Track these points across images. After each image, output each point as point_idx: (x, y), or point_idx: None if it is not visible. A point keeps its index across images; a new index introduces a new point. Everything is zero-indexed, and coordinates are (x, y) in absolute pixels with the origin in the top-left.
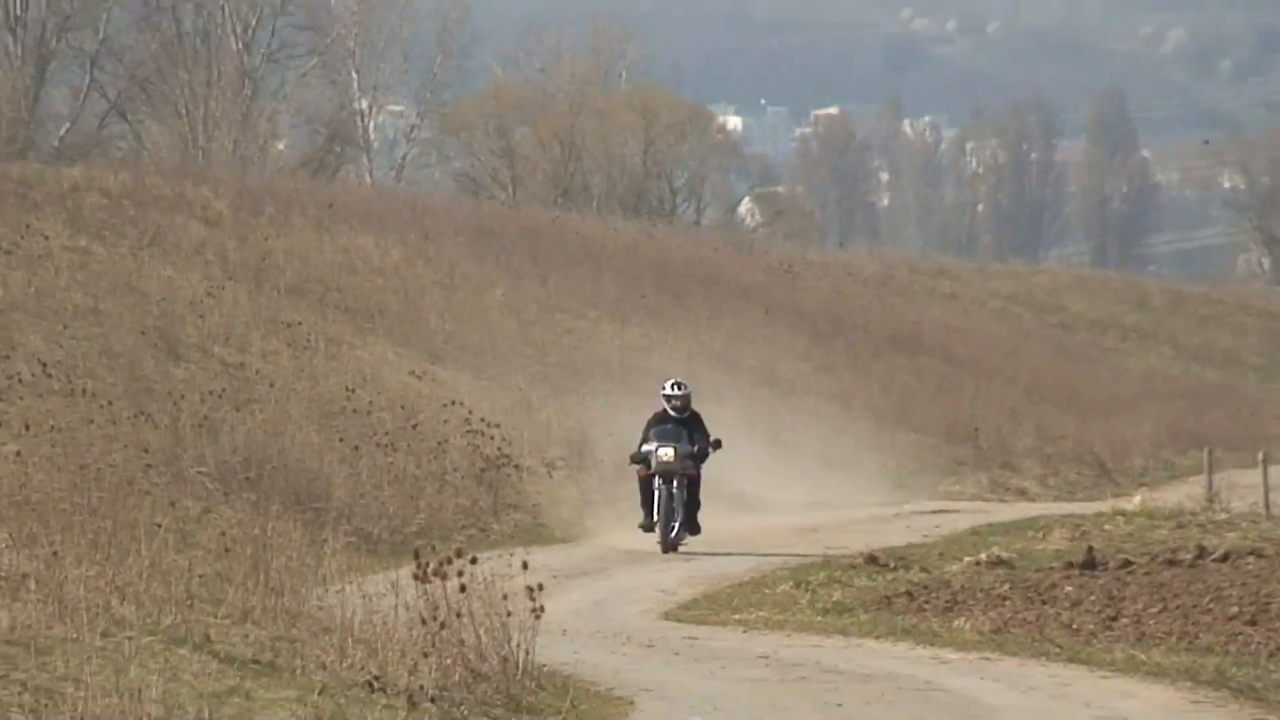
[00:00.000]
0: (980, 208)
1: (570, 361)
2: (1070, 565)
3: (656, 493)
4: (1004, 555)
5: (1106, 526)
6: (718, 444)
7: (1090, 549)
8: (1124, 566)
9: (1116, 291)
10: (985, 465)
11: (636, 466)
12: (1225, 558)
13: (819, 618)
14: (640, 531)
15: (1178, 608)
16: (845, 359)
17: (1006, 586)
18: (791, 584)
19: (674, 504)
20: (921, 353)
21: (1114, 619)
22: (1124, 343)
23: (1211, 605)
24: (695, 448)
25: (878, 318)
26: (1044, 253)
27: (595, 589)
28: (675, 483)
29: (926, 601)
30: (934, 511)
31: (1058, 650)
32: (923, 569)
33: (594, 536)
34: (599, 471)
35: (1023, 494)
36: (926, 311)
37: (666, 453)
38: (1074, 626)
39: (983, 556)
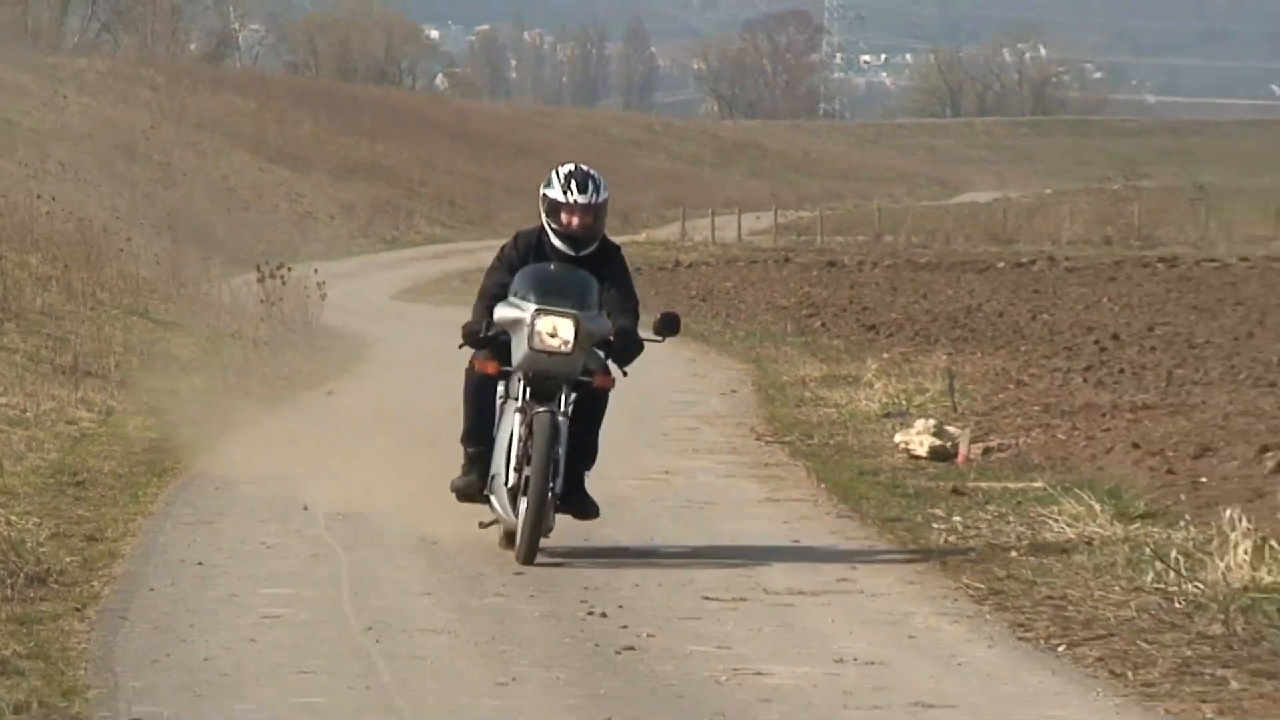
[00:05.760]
0: None
1: None
2: None
3: (509, 417)
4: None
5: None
6: (669, 323)
7: None
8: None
9: None
10: None
11: (476, 355)
12: (690, 265)
13: None
14: (454, 497)
15: (667, 292)
16: None
17: None
18: None
19: (555, 446)
20: None
21: None
22: None
23: (681, 290)
24: (615, 326)
25: None
26: None
27: None
28: (562, 397)
29: None
30: None
31: None
32: None
33: None
34: None
35: None
36: None
37: (557, 328)
38: None
39: None
